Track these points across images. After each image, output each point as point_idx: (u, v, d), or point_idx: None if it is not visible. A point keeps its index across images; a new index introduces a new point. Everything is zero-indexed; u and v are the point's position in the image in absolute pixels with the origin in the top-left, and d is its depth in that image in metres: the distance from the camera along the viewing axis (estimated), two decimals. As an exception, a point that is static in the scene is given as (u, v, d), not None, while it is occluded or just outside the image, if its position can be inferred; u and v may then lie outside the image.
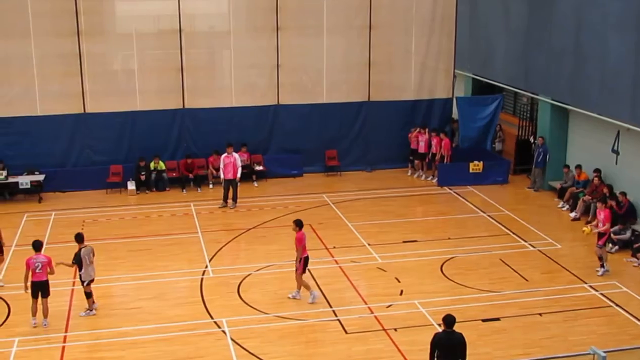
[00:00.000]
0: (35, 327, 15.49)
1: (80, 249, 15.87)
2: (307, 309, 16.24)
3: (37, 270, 15.51)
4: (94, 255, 16.03)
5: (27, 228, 21.22)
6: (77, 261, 15.82)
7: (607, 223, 18.26)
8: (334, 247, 19.79)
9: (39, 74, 24.70)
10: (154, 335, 15.11)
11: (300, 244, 16.33)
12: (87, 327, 15.44)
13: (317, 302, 16.42)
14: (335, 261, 18.91)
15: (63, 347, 14.68)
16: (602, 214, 18.39)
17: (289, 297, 16.66)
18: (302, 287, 16.64)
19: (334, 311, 16.16)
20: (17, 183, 23.99)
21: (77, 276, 16.42)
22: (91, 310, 16.09)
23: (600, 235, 18.26)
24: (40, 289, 15.59)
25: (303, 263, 16.46)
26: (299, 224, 16.47)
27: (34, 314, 15.62)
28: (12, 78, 24.73)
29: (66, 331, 15.28)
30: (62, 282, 17.45)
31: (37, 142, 24.81)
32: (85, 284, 16.02)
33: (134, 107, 25.47)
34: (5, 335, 15.10)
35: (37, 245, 15.84)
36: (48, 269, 15.63)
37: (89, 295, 16.09)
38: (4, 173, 23.80)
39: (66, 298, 16.75)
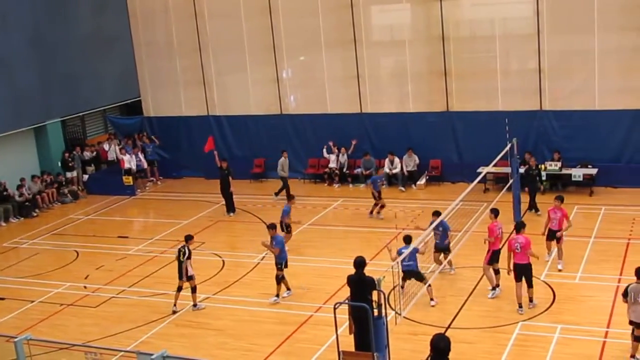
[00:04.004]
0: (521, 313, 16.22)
1: None
2: None
3: (517, 251, 16.12)
4: None
5: (576, 220, 21.78)
6: None
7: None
8: None
9: (599, 68, 25.02)
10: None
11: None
12: (629, 327, 15.31)
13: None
14: None
15: (604, 343, 14.90)
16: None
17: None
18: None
19: None
20: (570, 175, 24.83)
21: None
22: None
23: None
24: (522, 272, 16.13)
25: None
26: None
27: (519, 299, 16.22)
28: (573, 72, 25.49)
29: (608, 327, 15.46)
30: (608, 277, 17.73)
31: (593, 136, 25.14)
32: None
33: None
34: (549, 321, 15.94)
35: (520, 226, 16.45)
36: (529, 252, 16.14)
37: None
38: (559, 164, 24.78)
39: (610, 294, 16.91)
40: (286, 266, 18.02)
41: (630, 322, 14.06)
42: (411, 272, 16.80)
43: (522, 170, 23.05)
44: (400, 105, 27.94)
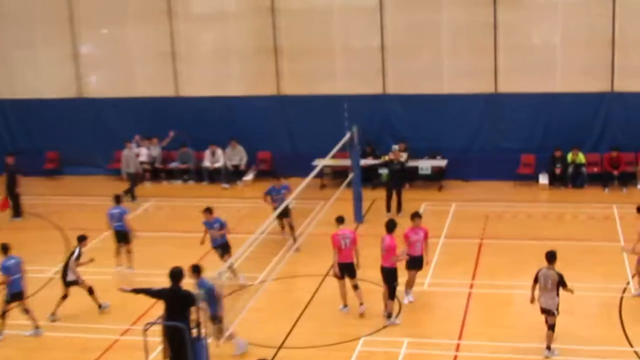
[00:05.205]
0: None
1: None
2: None
3: (382, 253, 16.24)
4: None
5: (425, 219, 22.18)
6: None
7: None
8: None
9: (448, 47, 25.89)
10: (563, 357, 14.87)
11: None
12: (483, 337, 15.74)
13: None
14: None
15: (455, 357, 15.21)
16: None
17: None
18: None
19: None
20: (417, 168, 25.44)
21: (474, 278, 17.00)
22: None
23: None
24: (385, 276, 16.27)
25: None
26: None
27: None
28: (419, 51, 26.21)
29: (459, 338, 15.83)
30: (459, 282, 18.19)
31: (442, 123, 25.96)
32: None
33: (552, 88, 25.42)
34: (395, 334, 16.04)
35: (390, 226, 16.42)
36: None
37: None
38: (405, 156, 25.28)
39: (462, 301, 17.37)
40: (20, 298, 16.72)
41: (542, 310, 14.77)
42: (120, 233, 19.51)
43: (370, 162, 23.36)
44: (223, 88, 27.72)
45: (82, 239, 17.80)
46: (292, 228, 20.48)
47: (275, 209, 19.54)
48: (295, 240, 20.26)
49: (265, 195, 20.62)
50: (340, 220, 17.05)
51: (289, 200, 19.02)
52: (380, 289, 16.61)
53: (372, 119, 26.08)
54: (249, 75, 27.62)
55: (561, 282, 14.57)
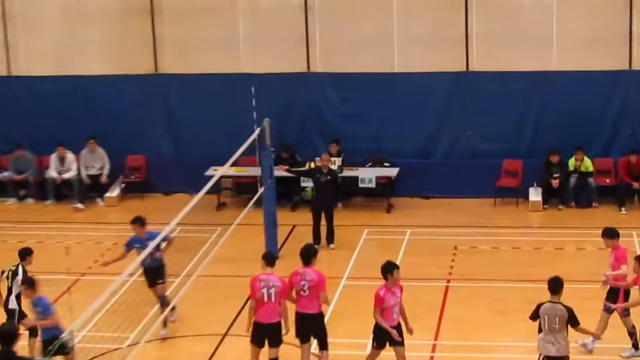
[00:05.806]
0: None
1: None
2: None
3: (302, 293, 16.03)
4: None
5: (366, 252, 22.33)
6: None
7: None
8: None
9: (399, 7, 26.07)
10: None
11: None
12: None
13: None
14: None
15: None
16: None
17: None
18: None
19: None
20: (356, 179, 25.47)
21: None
22: None
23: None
24: (310, 325, 16.12)
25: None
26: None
27: None
28: (359, 12, 26.45)
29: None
30: (417, 342, 18.22)
31: (391, 115, 26.20)
32: None
33: (547, 65, 25.75)
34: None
35: (309, 254, 16.30)
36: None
37: None
38: (339, 161, 25.18)
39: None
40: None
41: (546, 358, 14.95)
42: None
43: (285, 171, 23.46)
44: (77, 65, 27.65)
45: (28, 253, 17.62)
46: (163, 303, 18.89)
47: (144, 268, 18.67)
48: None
49: (125, 252, 19.01)
50: (269, 259, 16.54)
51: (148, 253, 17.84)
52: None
53: (292, 109, 26.15)
54: (114, 46, 27.57)
55: (571, 320, 14.71)
